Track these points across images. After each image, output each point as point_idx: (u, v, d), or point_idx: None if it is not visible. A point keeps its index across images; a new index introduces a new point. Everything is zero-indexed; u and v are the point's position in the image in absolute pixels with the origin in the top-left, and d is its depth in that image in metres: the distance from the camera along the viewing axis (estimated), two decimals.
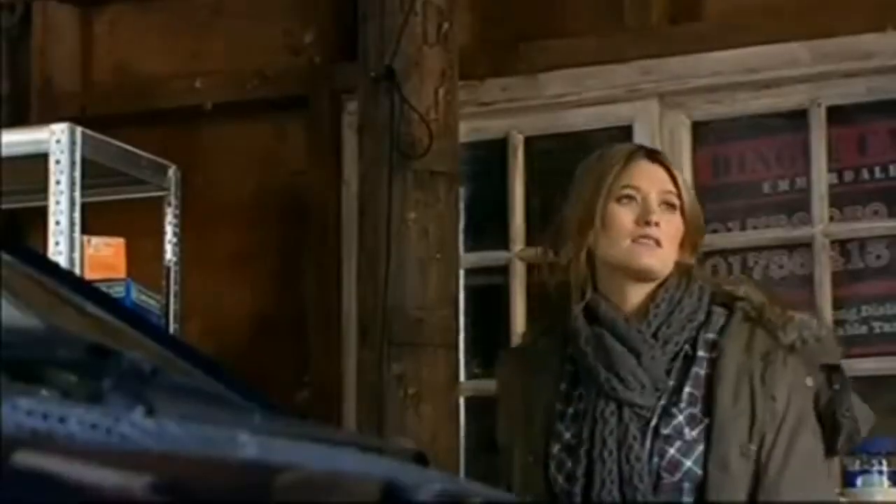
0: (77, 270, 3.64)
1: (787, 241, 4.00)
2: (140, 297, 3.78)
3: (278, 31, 4.43)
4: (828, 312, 3.86)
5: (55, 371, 1.09)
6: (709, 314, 2.63)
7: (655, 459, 2.54)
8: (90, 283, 3.19)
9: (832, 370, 2.61)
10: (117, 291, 3.67)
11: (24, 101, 4.58)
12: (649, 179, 2.65)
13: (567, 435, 2.62)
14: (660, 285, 2.62)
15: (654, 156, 2.73)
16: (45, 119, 4.07)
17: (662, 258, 2.62)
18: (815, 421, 2.57)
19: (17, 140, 3.77)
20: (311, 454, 1.08)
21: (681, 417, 2.55)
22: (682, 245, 2.66)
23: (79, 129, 3.78)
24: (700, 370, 2.59)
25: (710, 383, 2.56)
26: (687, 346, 2.61)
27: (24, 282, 1.47)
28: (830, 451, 2.61)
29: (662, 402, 2.57)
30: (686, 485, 2.53)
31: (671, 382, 2.58)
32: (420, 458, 1.38)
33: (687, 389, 2.57)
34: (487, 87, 4.18)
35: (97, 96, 4.59)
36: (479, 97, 4.15)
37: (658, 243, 2.61)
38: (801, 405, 2.56)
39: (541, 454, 2.62)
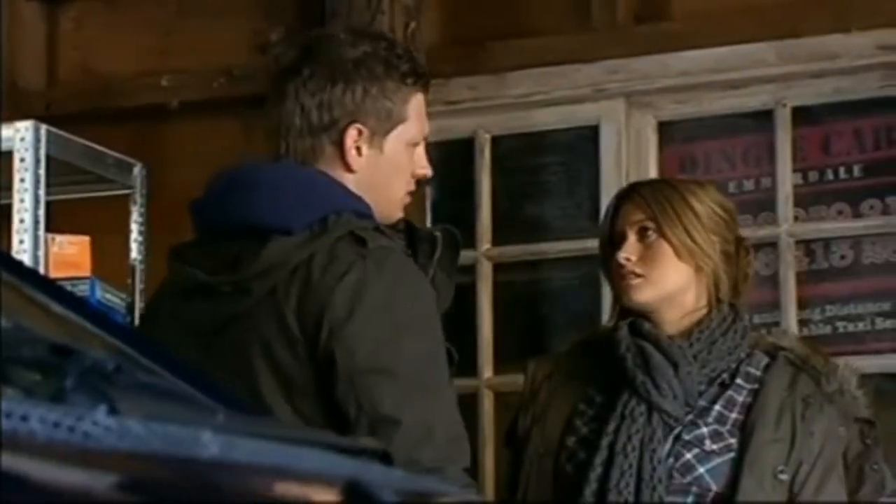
0: (41, 269, 3.62)
1: (752, 241, 4.00)
2: (105, 295, 3.76)
3: (245, 29, 4.41)
4: (792, 312, 3.88)
5: (18, 370, 1.09)
6: (751, 354, 2.73)
7: (671, 460, 2.63)
8: (55, 281, 3.18)
9: (866, 424, 2.71)
10: (82, 290, 3.64)
11: None
12: (625, 219, 2.76)
13: (584, 430, 2.71)
14: (707, 314, 2.72)
15: (630, 193, 2.82)
16: (10, 116, 4.05)
17: (646, 287, 2.72)
18: (842, 470, 2.67)
19: None
20: (275, 453, 1.07)
21: (705, 430, 2.66)
22: (699, 268, 2.74)
23: (43, 127, 3.75)
24: (737, 396, 2.69)
25: (749, 411, 2.66)
26: (725, 376, 2.71)
27: None
28: (851, 501, 2.68)
29: (690, 416, 2.67)
30: (694, 489, 2.60)
31: (702, 403, 2.68)
32: (385, 457, 1.38)
33: (717, 408, 2.68)
34: (454, 86, 4.18)
35: (62, 94, 4.57)
36: (446, 96, 4.14)
37: (635, 275, 2.69)
38: (833, 451, 2.66)
39: (554, 445, 2.71)
